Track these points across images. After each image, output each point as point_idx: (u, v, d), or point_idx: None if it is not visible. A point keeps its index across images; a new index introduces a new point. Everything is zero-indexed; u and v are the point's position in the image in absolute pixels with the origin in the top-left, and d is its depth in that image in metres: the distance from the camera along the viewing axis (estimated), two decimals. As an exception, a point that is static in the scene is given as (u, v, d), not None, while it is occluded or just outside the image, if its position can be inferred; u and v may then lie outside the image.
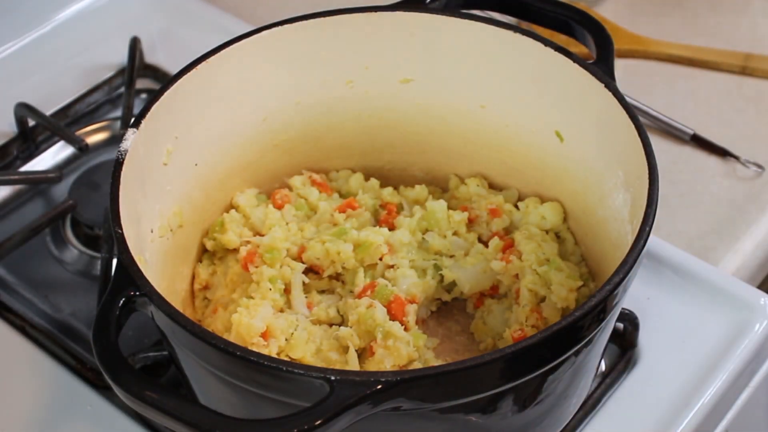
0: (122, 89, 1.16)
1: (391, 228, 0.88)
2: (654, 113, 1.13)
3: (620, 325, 0.90)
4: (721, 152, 1.10)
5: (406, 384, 0.62)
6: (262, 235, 0.87)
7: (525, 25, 1.14)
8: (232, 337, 0.79)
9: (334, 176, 0.95)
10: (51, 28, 1.24)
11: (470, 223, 0.89)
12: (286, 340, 0.79)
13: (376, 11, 0.88)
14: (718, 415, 0.90)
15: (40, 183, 1.08)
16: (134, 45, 1.17)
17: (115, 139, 1.13)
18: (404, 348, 0.77)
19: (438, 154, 0.95)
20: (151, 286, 0.68)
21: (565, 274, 0.82)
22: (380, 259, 0.85)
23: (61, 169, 1.10)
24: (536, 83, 0.87)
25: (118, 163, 0.76)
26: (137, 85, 1.14)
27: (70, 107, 1.16)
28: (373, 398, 0.62)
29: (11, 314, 0.93)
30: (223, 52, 0.85)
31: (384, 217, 0.90)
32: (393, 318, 0.80)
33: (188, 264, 0.88)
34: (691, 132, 1.11)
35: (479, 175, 0.93)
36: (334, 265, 0.85)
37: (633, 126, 0.77)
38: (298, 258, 0.86)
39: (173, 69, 1.09)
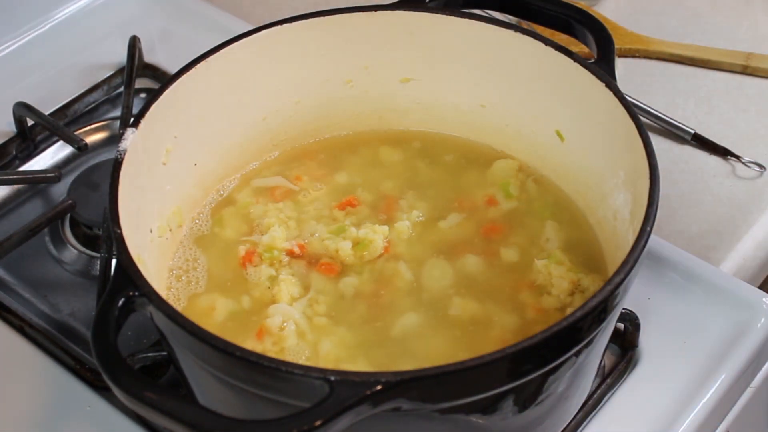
0: (121, 89, 1.16)
1: (391, 220, 0.88)
2: (655, 112, 1.13)
3: (621, 326, 0.89)
4: (723, 152, 1.10)
5: (406, 384, 0.62)
6: (261, 232, 0.87)
7: (525, 24, 1.14)
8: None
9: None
10: (50, 27, 1.24)
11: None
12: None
13: (376, 11, 0.88)
14: (720, 416, 0.90)
15: (38, 183, 1.08)
16: (133, 44, 1.17)
17: (114, 139, 1.12)
18: None
19: (438, 153, 0.95)
20: (150, 287, 0.68)
21: (566, 268, 0.82)
22: (380, 256, 0.85)
23: (60, 168, 1.10)
24: (536, 83, 0.87)
25: (117, 163, 0.76)
26: (136, 84, 1.14)
27: (69, 107, 1.16)
28: (373, 399, 0.62)
29: (10, 314, 0.93)
30: (222, 51, 0.85)
31: (383, 209, 0.90)
32: None
33: (187, 264, 0.88)
34: (692, 131, 1.11)
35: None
36: (333, 261, 0.85)
37: (634, 125, 0.77)
38: (298, 255, 0.86)
39: (172, 68, 1.09)
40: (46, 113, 1.11)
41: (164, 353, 0.87)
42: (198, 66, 0.84)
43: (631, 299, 0.88)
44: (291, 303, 0.82)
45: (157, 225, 0.82)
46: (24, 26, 1.22)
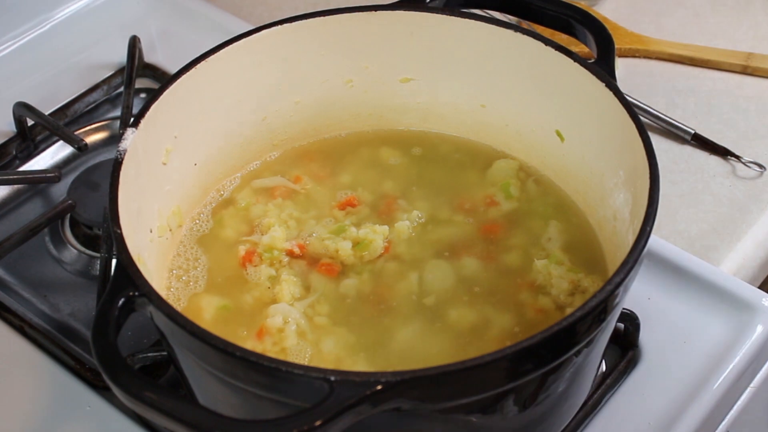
0: (121, 89, 1.16)
1: (391, 220, 0.88)
2: (655, 112, 1.13)
3: (621, 326, 0.89)
4: (722, 152, 1.10)
5: (406, 384, 0.62)
6: (261, 232, 0.87)
7: (525, 24, 1.14)
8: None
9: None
10: (50, 27, 1.24)
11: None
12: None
13: (376, 11, 0.88)
14: (719, 416, 0.90)
15: (39, 183, 1.08)
16: (133, 44, 1.17)
17: (114, 139, 1.13)
18: None
19: (438, 153, 0.95)
20: (150, 287, 0.68)
21: (566, 268, 0.82)
22: (380, 256, 0.85)
23: (60, 168, 1.10)
24: (536, 83, 0.87)
25: (117, 163, 0.76)
26: (136, 84, 1.14)
27: (69, 107, 1.16)
28: (373, 399, 0.62)
29: (10, 314, 0.93)
30: (222, 51, 0.85)
31: (383, 209, 0.90)
32: None
33: (187, 264, 0.88)
34: (692, 131, 1.11)
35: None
36: (333, 261, 0.85)
37: (634, 125, 0.77)
38: (298, 255, 0.86)
39: (172, 68, 1.09)
40: (46, 113, 1.11)
41: (164, 353, 0.87)
42: (198, 66, 0.84)
43: (631, 299, 0.88)
44: (292, 303, 0.82)
45: (157, 225, 0.82)
46: (24, 26, 1.22)
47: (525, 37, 0.85)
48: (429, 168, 0.94)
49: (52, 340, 0.91)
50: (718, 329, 0.90)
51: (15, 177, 1.07)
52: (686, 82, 1.19)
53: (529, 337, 0.64)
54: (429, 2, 0.89)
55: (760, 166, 1.08)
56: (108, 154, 1.10)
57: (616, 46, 0.84)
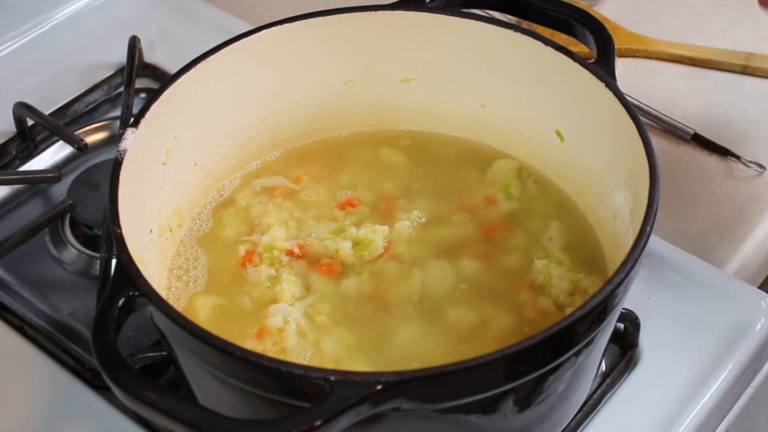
0: (121, 89, 1.16)
1: (391, 220, 0.88)
2: (655, 113, 1.13)
3: (621, 326, 0.89)
4: (723, 152, 1.10)
5: (406, 384, 0.62)
6: (261, 232, 0.87)
7: (525, 24, 1.14)
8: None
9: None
10: (50, 27, 1.24)
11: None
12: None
13: (376, 11, 0.89)
14: (719, 416, 0.90)
15: (38, 183, 1.08)
16: (133, 44, 1.17)
17: (114, 139, 1.13)
18: None
19: (438, 153, 0.95)
20: (150, 287, 0.68)
21: (566, 268, 0.82)
22: (380, 256, 0.85)
23: (60, 168, 1.10)
24: (536, 83, 0.87)
25: (117, 163, 0.76)
26: (136, 84, 1.14)
27: (69, 107, 1.16)
28: (373, 398, 0.62)
29: (10, 314, 0.93)
30: (222, 51, 0.85)
31: (383, 209, 0.90)
32: None
33: (187, 264, 0.88)
34: (692, 131, 1.11)
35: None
36: (333, 261, 0.85)
37: (634, 125, 0.77)
38: (298, 255, 0.86)
39: (172, 68, 1.09)
40: (46, 113, 1.11)
41: (164, 353, 0.87)
42: (198, 66, 0.84)
43: (631, 299, 0.88)
44: (292, 303, 0.82)
45: (157, 225, 0.82)
46: (24, 26, 1.23)
47: (525, 37, 0.85)
48: (429, 168, 0.94)
49: (52, 340, 0.91)
50: (718, 329, 0.90)
51: (15, 177, 1.07)
52: (686, 82, 1.19)
53: (529, 337, 0.64)
54: (429, 2, 0.89)
55: (760, 166, 1.08)
56: (108, 154, 1.10)
57: (616, 46, 0.84)
